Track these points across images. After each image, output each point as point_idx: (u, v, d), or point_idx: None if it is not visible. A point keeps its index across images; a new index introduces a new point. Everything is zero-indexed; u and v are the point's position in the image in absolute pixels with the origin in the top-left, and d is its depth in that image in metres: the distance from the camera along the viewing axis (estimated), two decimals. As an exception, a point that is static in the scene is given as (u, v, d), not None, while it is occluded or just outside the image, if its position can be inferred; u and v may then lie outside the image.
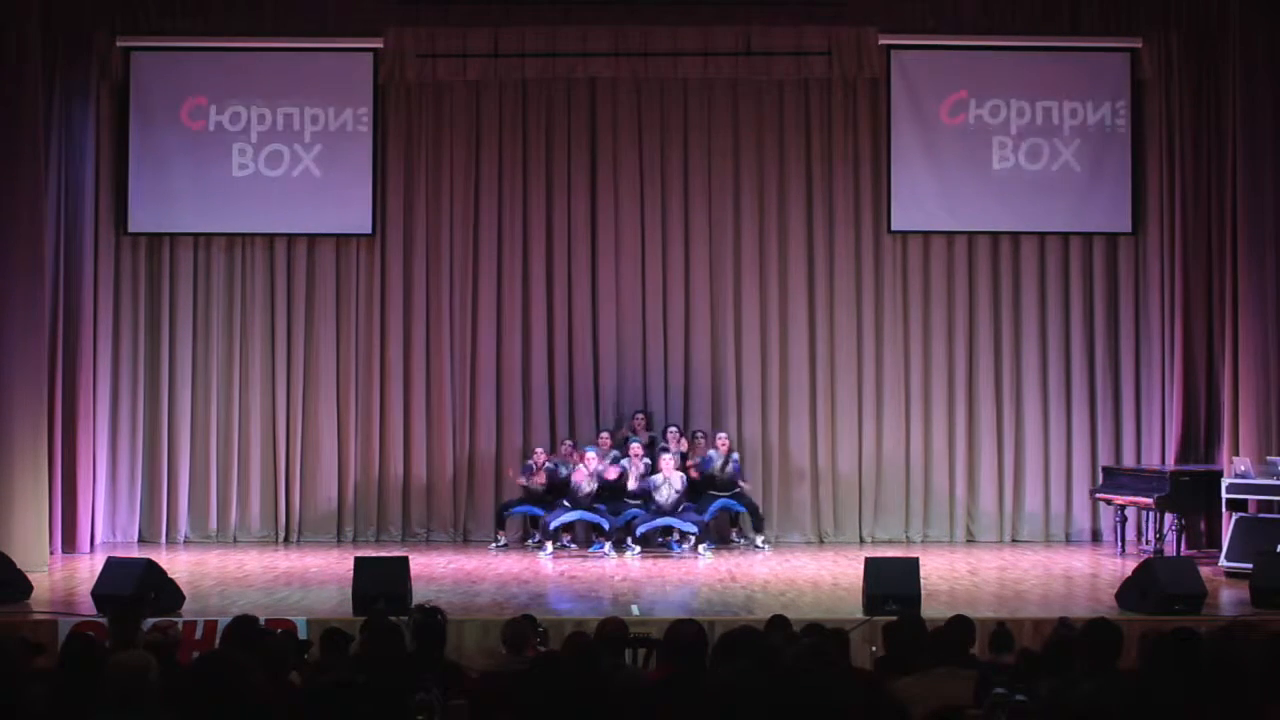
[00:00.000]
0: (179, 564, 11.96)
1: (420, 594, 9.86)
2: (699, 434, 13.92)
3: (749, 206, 14.54)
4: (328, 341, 14.44)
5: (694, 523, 12.97)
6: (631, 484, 13.04)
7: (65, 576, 11.89)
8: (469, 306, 14.47)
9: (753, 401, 14.33)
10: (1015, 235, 14.55)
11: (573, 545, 13.52)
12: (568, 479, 13.17)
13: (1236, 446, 12.76)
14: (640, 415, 14.04)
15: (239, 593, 10.88)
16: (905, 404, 14.49)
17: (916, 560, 10.04)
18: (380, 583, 9.79)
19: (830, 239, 14.53)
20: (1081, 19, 14.26)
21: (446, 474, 14.29)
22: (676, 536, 13.24)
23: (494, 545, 13.48)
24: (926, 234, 14.53)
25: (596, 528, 13.43)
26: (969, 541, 14.30)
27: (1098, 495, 13.79)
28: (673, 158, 14.56)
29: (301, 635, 8.71)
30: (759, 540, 13.54)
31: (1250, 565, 10.83)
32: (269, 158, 14.37)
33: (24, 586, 10.52)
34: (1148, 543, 13.20)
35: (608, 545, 13.05)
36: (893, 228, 14.46)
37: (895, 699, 4.85)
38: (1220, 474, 12.64)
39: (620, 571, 12.12)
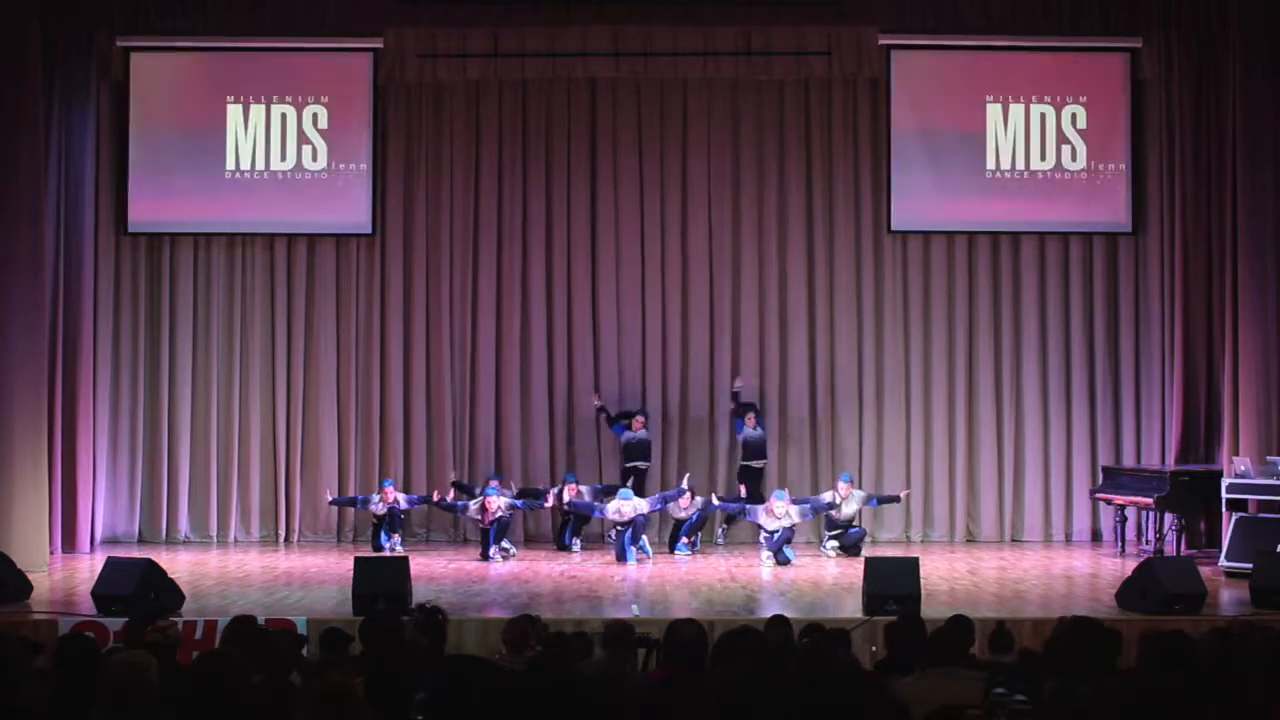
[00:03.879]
0: (179, 564, 11.95)
1: (420, 594, 9.86)
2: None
3: (749, 206, 14.54)
4: (328, 341, 14.44)
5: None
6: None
7: (65, 576, 11.89)
8: (469, 306, 14.47)
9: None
10: (1015, 235, 14.55)
11: (512, 550, 13.06)
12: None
13: (1236, 446, 12.76)
14: (641, 416, 13.98)
15: (239, 593, 10.88)
16: (905, 404, 14.49)
17: (916, 560, 10.06)
18: (380, 583, 9.81)
19: (830, 239, 14.53)
20: (1081, 19, 14.26)
21: (446, 474, 14.27)
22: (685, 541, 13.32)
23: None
24: (926, 234, 14.53)
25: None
26: (969, 541, 14.30)
27: (1098, 495, 13.78)
28: (672, 157, 14.56)
29: (301, 635, 8.71)
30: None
31: (1250, 565, 10.83)
32: (269, 158, 14.36)
33: (24, 586, 10.53)
34: (1148, 543, 13.19)
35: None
36: (893, 228, 14.47)
37: (896, 699, 4.84)
38: (1220, 474, 12.64)
39: (621, 571, 12.15)
